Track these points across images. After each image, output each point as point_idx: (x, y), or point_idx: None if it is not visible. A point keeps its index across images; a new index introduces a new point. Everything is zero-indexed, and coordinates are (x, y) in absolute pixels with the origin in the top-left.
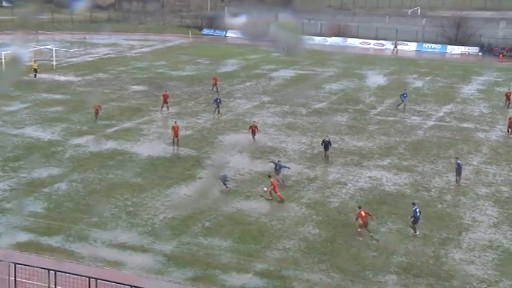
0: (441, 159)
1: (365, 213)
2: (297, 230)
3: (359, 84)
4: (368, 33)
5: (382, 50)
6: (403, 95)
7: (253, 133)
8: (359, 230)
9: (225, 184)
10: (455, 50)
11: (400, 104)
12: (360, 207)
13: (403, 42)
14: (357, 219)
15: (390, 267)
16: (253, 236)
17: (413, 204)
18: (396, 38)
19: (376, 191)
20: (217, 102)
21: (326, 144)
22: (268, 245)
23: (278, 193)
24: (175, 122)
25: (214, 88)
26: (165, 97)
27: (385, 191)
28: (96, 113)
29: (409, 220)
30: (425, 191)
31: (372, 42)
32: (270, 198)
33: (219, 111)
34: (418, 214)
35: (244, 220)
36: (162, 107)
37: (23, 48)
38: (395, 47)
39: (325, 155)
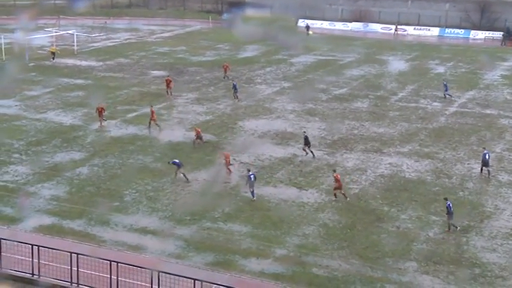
0: (463, 146)
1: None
2: (317, 216)
3: (380, 70)
4: (390, 18)
5: (404, 35)
6: (445, 85)
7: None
8: (334, 191)
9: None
10: (479, 35)
11: (446, 93)
12: (334, 171)
13: (425, 27)
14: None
15: (410, 254)
16: (273, 222)
17: (446, 199)
18: (397, 23)
19: (397, 178)
20: (235, 87)
21: (306, 140)
22: (287, 231)
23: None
24: (151, 105)
25: (225, 75)
26: (168, 82)
27: (405, 178)
28: (100, 114)
29: (445, 216)
30: (446, 178)
31: (393, 27)
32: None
33: (237, 96)
34: (452, 209)
35: (264, 206)
36: (167, 92)
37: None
38: (396, 30)
39: (304, 150)
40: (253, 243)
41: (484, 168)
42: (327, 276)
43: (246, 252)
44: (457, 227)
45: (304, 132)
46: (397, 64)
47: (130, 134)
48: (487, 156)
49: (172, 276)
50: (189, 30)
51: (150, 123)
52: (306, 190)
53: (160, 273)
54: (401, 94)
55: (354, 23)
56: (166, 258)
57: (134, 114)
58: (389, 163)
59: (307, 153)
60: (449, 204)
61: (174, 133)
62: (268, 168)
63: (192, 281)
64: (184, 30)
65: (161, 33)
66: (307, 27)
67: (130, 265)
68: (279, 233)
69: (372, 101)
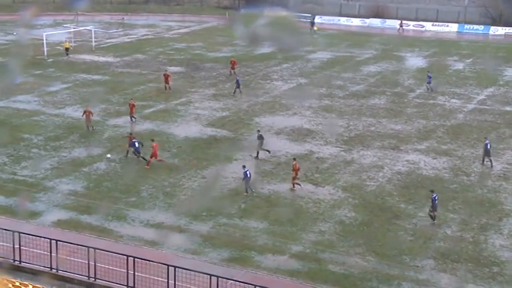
0: (482, 143)
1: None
2: (333, 213)
3: (397, 67)
4: (408, 15)
5: (422, 31)
6: (428, 77)
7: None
8: (293, 182)
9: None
10: (499, 31)
11: (428, 85)
12: (294, 159)
13: (444, 24)
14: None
15: (428, 252)
16: (289, 219)
17: (432, 191)
18: (401, 18)
19: (414, 175)
20: (238, 83)
21: (260, 139)
22: (303, 227)
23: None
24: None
25: (232, 71)
26: (166, 76)
27: (423, 175)
28: (87, 119)
29: (428, 209)
30: (464, 176)
31: (412, 23)
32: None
33: (240, 91)
34: (436, 202)
35: (280, 202)
36: (165, 87)
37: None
38: (401, 26)
39: (264, 150)
40: (269, 239)
41: (485, 158)
42: (343, 273)
43: (262, 248)
44: (434, 221)
45: (259, 131)
46: (415, 60)
47: (147, 130)
48: (488, 146)
49: (188, 271)
50: (206, 26)
51: (130, 116)
52: (322, 187)
53: (177, 269)
54: (419, 91)
55: (371, 19)
56: (183, 253)
57: (151, 110)
58: (407, 160)
59: (258, 154)
60: (434, 197)
61: (190, 129)
62: (285, 165)
63: (208, 276)
64: (201, 26)
65: (178, 29)
66: (312, 23)
67: (147, 260)
68: (295, 230)
69: (389, 98)
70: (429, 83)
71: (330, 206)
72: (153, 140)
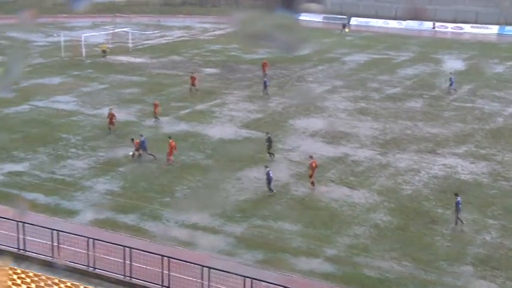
0: None
1: (315, 164)
2: (368, 216)
3: (435, 69)
4: (446, 16)
5: (461, 34)
6: (450, 79)
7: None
8: (312, 180)
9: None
10: None
11: (450, 87)
12: (311, 157)
13: (483, 25)
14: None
15: (466, 258)
16: (324, 221)
17: (456, 195)
18: (439, 20)
19: (451, 179)
20: (265, 84)
21: (269, 142)
22: (338, 230)
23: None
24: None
25: (264, 73)
26: (193, 79)
27: (460, 180)
28: (110, 121)
29: (453, 212)
30: (504, 181)
31: (450, 25)
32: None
33: (266, 93)
34: (460, 206)
35: (314, 205)
36: (190, 89)
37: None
38: (434, 27)
39: (269, 153)
40: (303, 242)
41: None
42: (379, 278)
43: (296, 250)
44: (462, 222)
45: (267, 133)
46: (453, 63)
47: (183, 131)
48: None
49: (222, 272)
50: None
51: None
52: (358, 190)
53: (211, 270)
54: (457, 94)
55: (408, 21)
56: (217, 254)
57: (187, 111)
58: (444, 164)
59: (271, 156)
60: (458, 201)
61: (225, 130)
62: (319, 167)
63: (242, 278)
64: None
65: (214, 31)
66: (344, 25)
67: (181, 260)
68: (330, 233)
69: (426, 101)
70: (451, 85)
71: (365, 209)
72: (170, 138)
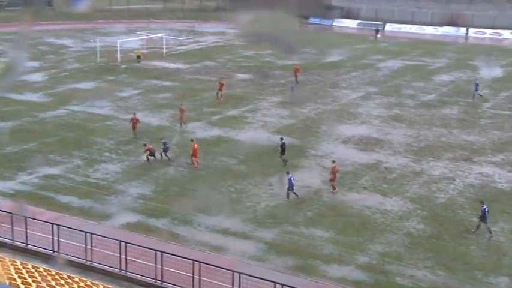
0: None
1: (337, 169)
2: (401, 224)
3: (472, 76)
4: (484, 22)
5: (500, 40)
6: (476, 84)
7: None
8: (332, 184)
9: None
10: None
11: (476, 93)
12: (333, 162)
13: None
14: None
15: (502, 269)
16: (356, 228)
17: (482, 203)
18: (477, 26)
19: (487, 188)
20: (292, 90)
21: (283, 148)
22: (370, 238)
23: (196, 158)
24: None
25: (296, 79)
26: (221, 85)
27: (497, 189)
28: (134, 126)
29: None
30: None
31: (488, 31)
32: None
33: (293, 98)
34: (486, 214)
35: (346, 212)
36: (217, 94)
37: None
38: (466, 33)
39: (282, 159)
40: (334, 249)
41: None
42: (412, 287)
43: (327, 257)
44: (490, 232)
45: (282, 138)
46: (491, 70)
47: (215, 136)
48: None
49: (252, 278)
50: None
51: (181, 121)
52: (390, 197)
53: (241, 275)
54: (494, 101)
55: (444, 27)
56: (247, 260)
57: (219, 116)
58: (480, 173)
59: (285, 162)
60: (484, 209)
61: (258, 136)
62: (352, 174)
63: (273, 284)
64: None
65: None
66: (377, 31)
67: (212, 265)
68: (362, 240)
69: (462, 108)
70: (476, 90)
71: (398, 217)
72: (192, 141)
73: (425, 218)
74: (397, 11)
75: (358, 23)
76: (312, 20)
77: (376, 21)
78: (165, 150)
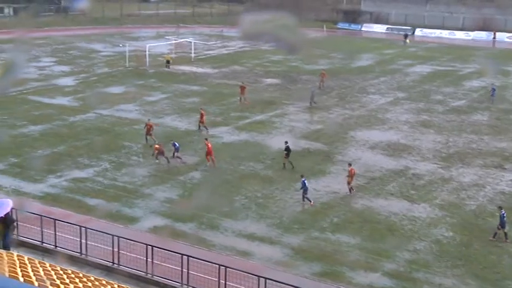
0: None
1: (353, 172)
2: (429, 231)
3: (504, 82)
4: None
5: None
6: (492, 89)
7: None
8: (349, 187)
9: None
10: None
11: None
12: (350, 165)
13: None
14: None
15: None
16: (383, 235)
17: (500, 208)
18: (495, 29)
19: None
20: (312, 94)
21: (287, 151)
22: (398, 245)
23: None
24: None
25: (322, 84)
26: (242, 88)
27: None
28: (148, 132)
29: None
30: None
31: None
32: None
33: (314, 102)
34: (505, 219)
35: (373, 218)
36: (240, 98)
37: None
38: (494, 38)
39: (284, 163)
40: (361, 255)
41: None
42: None
43: (354, 264)
44: (506, 238)
45: (286, 142)
46: None
47: (242, 141)
48: None
49: (278, 284)
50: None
51: (199, 125)
52: (418, 204)
53: (267, 280)
54: (497, 103)
55: (476, 31)
56: (273, 265)
57: (247, 121)
58: (511, 180)
59: (285, 166)
60: (503, 214)
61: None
62: (379, 180)
63: None
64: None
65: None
66: (406, 36)
67: (238, 270)
68: (389, 247)
69: (493, 114)
70: (492, 95)
71: (426, 224)
72: (206, 139)
73: (454, 226)
74: (427, 16)
75: (387, 27)
76: (340, 24)
77: (406, 26)
78: (176, 150)
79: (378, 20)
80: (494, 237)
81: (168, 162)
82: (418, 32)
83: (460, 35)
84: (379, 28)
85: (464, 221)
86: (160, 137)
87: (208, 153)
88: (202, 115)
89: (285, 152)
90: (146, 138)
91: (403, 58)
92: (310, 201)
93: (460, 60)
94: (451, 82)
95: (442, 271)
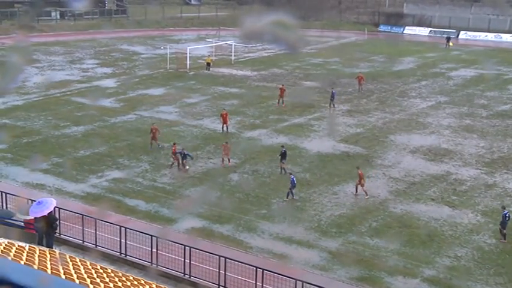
0: None
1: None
2: (471, 238)
3: None
4: None
5: None
6: None
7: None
8: (364, 189)
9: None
10: None
11: None
12: (358, 168)
13: None
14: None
15: None
16: (422, 241)
17: (503, 208)
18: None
19: None
20: (333, 95)
21: (283, 155)
22: (438, 251)
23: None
24: (224, 109)
25: (360, 87)
26: (282, 91)
27: None
28: (153, 136)
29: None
30: None
31: None
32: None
33: (333, 105)
34: (507, 219)
35: (413, 223)
36: (278, 100)
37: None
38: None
39: (281, 168)
40: (400, 261)
41: None
42: None
43: (392, 269)
44: (504, 240)
45: (283, 146)
46: None
47: (280, 143)
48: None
49: (316, 287)
50: (343, 42)
51: (222, 127)
52: (460, 210)
53: (305, 284)
54: None
55: None
56: (311, 269)
57: (285, 124)
58: None
59: (282, 170)
60: (505, 214)
61: (323, 144)
62: (419, 185)
63: None
64: (338, 42)
65: (315, 44)
66: (448, 39)
67: (275, 273)
68: (428, 253)
69: None
70: None
71: (468, 230)
72: (226, 143)
73: (497, 233)
74: (472, 19)
75: (430, 30)
76: (382, 27)
77: (450, 29)
78: (183, 158)
79: (420, 23)
80: (505, 239)
81: (172, 166)
82: (463, 35)
83: (506, 37)
84: (422, 31)
85: (508, 228)
86: (201, 139)
87: (225, 153)
88: (224, 116)
89: (280, 156)
90: (151, 143)
91: (446, 61)
92: (293, 196)
93: (506, 64)
94: (495, 86)
95: (483, 279)
